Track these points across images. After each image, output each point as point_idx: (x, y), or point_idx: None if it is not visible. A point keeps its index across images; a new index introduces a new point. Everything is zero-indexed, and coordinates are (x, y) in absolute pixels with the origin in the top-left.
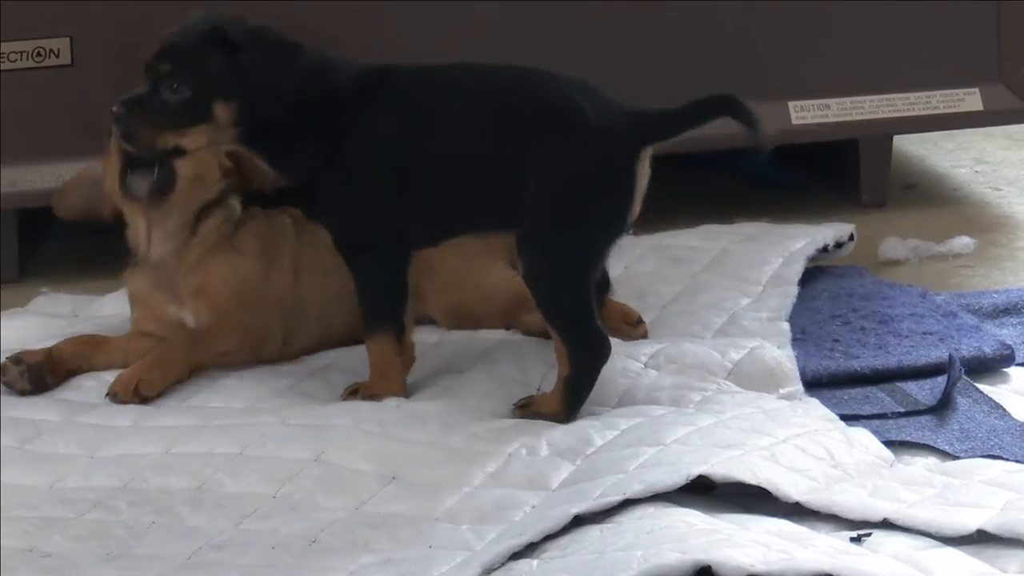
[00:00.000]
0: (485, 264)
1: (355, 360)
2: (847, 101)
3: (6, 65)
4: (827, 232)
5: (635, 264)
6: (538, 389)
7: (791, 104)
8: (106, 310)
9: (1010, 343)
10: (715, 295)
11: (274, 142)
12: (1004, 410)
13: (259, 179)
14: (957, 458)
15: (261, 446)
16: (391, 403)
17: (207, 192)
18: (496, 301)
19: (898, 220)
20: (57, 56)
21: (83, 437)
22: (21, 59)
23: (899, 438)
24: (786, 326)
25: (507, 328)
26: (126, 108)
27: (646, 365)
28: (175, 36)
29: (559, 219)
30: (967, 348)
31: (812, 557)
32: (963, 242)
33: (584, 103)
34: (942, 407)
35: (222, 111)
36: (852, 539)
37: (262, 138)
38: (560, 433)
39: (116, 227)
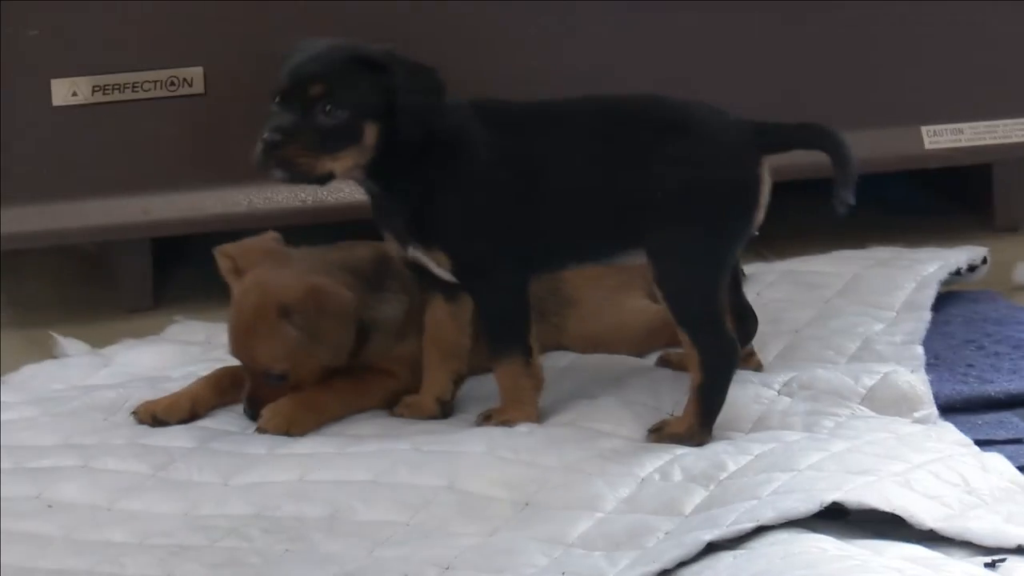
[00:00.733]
0: (623, 295)
1: (486, 387)
2: (981, 125)
3: (140, 94)
4: (960, 256)
5: (767, 290)
6: (670, 414)
7: (924, 129)
8: None
9: None
10: (848, 320)
11: (399, 165)
12: None
13: None
14: None
15: (395, 473)
16: (523, 429)
17: None
18: (632, 330)
19: None
20: (191, 85)
21: (217, 464)
22: (155, 88)
23: None
24: (920, 350)
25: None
26: (282, 134)
27: (779, 392)
28: (313, 61)
29: (689, 220)
30: None
31: None
32: None
33: (703, 113)
34: None
35: (370, 132)
36: (986, 565)
37: (388, 161)
38: (693, 458)
39: None
